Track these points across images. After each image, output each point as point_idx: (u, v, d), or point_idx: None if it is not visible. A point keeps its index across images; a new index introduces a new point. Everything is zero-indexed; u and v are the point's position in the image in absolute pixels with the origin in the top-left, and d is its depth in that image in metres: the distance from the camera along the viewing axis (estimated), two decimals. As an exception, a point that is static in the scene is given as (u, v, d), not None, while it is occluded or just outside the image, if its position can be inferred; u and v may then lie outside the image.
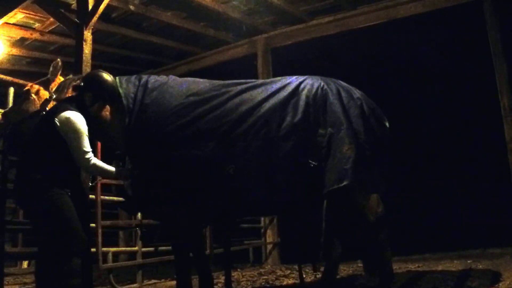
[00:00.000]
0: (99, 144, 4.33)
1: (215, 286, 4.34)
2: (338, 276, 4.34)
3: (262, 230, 7.14)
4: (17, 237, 7.13)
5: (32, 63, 8.13)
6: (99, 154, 4.31)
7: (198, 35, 7.64)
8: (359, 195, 3.63)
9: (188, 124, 3.32)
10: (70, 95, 3.51)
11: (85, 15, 4.74)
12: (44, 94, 4.00)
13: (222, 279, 4.90)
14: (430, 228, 7.37)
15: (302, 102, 3.47)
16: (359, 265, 5.37)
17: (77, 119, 3.19)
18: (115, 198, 5.23)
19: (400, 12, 6.66)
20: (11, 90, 4.45)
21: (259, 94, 3.51)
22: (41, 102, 3.94)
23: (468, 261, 5.43)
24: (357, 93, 3.66)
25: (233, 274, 5.14)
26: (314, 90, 3.54)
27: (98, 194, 4.69)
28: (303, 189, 3.42)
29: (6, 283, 4.69)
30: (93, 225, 4.51)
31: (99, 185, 4.59)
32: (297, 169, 3.37)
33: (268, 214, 6.17)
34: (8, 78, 4.93)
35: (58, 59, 4.03)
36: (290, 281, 5.03)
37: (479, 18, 6.13)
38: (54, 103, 3.59)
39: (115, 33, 7.31)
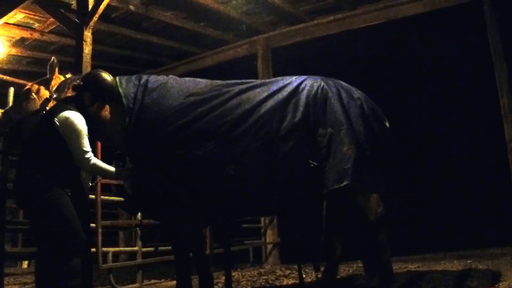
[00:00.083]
0: (99, 144, 4.33)
1: (215, 286, 4.34)
2: (338, 276, 4.33)
3: (262, 230, 7.13)
4: (17, 237, 7.15)
5: (32, 63, 8.12)
6: (99, 154, 4.31)
7: (198, 35, 7.64)
8: (359, 195, 3.62)
9: (188, 124, 3.32)
10: (69, 94, 3.52)
11: (85, 15, 4.74)
12: (45, 93, 3.98)
13: (222, 279, 4.90)
14: (430, 228, 7.37)
15: (302, 102, 3.47)
16: (359, 265, 5.37)
17: (77, 119, 3.19)
18: (115, 198, 5.22)
19: (400, 12, 6.65)
20: (11, 90, 4.44)
21: (259, 94, 3.51)
22: (41, 102, 3.94)
23: (468, 261, 5.41)
24: (357, 93, 3.65)
25: (233, 274, 5.13)
26: (314, 90, 3.53)
27: (98, 194, 4.69)
28: (303, 189, 3.42)
29: (6, 283, 4.69)
30: (93, 225, 4.51)
31: (99, 185, 4.58)
32: (297, 169, 3.37)
33: (268, 214, 6.17)
34: (8, 78, 4.94)
35: (53, 57, 4.02)
36: (290, 281, 5.03)
37: (479, 18, 6.13)
38: (54, 102, 3.59)
39: (115, 33, 7.30)
